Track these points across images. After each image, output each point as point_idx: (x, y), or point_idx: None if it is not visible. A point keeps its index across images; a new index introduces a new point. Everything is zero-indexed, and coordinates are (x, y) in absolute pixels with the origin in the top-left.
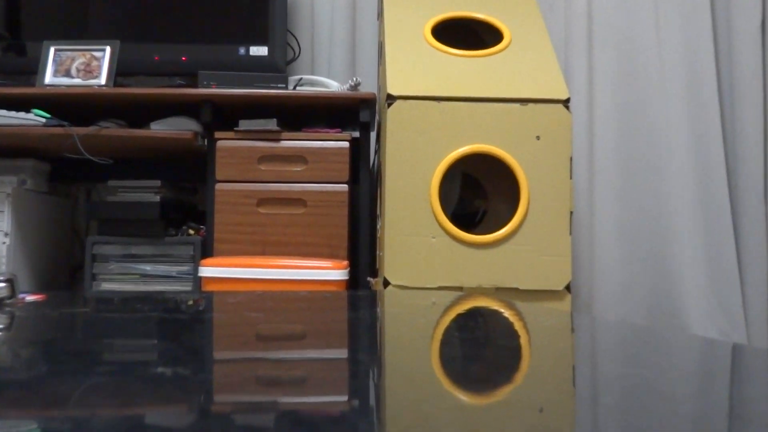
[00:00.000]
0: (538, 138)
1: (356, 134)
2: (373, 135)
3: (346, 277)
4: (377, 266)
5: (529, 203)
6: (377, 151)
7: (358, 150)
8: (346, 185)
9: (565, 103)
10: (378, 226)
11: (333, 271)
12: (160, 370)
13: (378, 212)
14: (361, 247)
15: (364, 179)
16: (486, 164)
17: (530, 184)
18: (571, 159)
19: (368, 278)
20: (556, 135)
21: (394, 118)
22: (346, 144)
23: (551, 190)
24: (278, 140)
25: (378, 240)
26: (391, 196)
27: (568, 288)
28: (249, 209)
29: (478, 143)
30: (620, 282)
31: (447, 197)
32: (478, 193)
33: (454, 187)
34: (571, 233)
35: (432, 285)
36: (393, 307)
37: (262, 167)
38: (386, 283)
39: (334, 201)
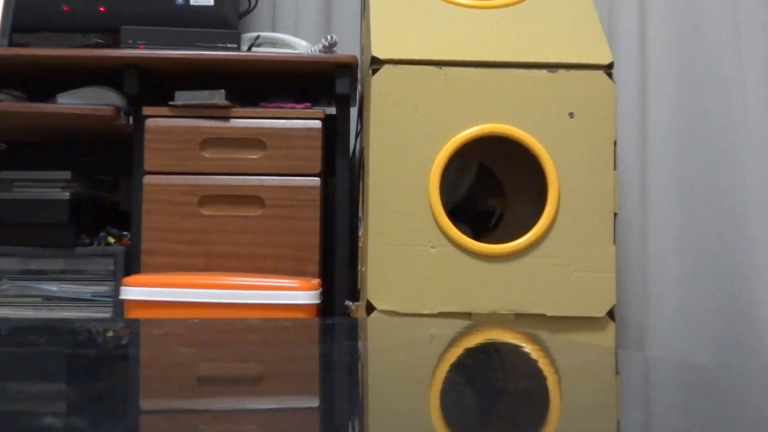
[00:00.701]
0: (571, 116)
1: (331, 111)
2: (354, 112)
3: (318, 301)
4: (358, 286)
5: (559, 202)
6: (359, 134)
7: (334, 132)
8: (317, 179)
9: (608, 69)
10: (360, 233)
11: (300, 293)
12: (49, 422)
13: (360, 214)
14: (338, 261)
15: (342, 171)
16: (503, 151)
17: (561, 177)
18: (615, 143)
19: (347, 302)
20: (596, 112)
21: (381, 88)
22: (317, 124)
23: (589, 185)
24: (227, 118)
25: (360, 251)
26: (377, 193)
27: (611, 315)
28: (188, 210)
29: (493, 123)
30: (682, 307)
31: (452, 195)
32: (493, 188)
33: (461, 182)
34: (615, 242)
35: (431, 311)
36: (379, 341)
37: (206, 154)
38: (370, 309)
39: (301, 200)
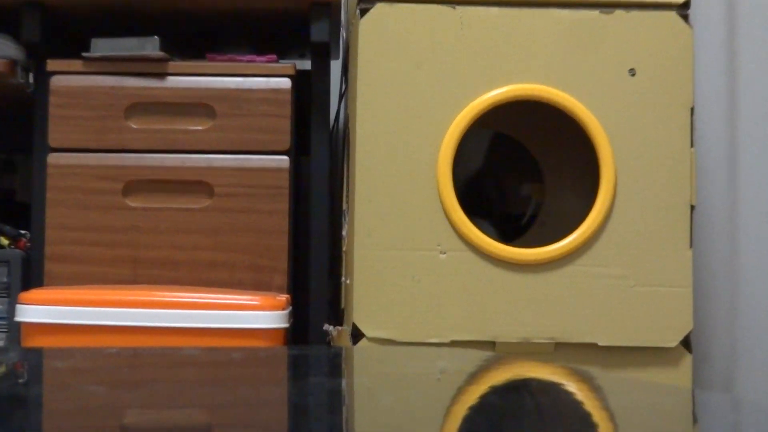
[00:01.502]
0: (632, 73)
1: (306, 65)
2: (337, 66)
3: (286, 324)
4: (341, 304)
5: (615, 191)
6: (343, 96)
7: (309, 94)
8: (285, 158)
9: (683, 9)
10: (344, 233)
11: (261, 314)
12: None
13: (344, 207)
14: (314, 270)
15: (319, 147)
16: (540, 121)
17: (619, 157)
18: (692, 111)
19: (326, 326)
20: (666, 68)
21: (372, 35)
22: (286, 83)
23: (657, 168)
24: (163, 76)
25: (344, 257)
26: (366, 180)
27: (687, 344)
28: (109, 201)
29: (525, 83)
30: None
31: (469, 179)
32: (528, 172)
33: (482, 161)
34: (692, 246)
35: (440, 339)
36: (368, 379)
37: (134, 125)
38: (357, 335)
39: (264, 187)
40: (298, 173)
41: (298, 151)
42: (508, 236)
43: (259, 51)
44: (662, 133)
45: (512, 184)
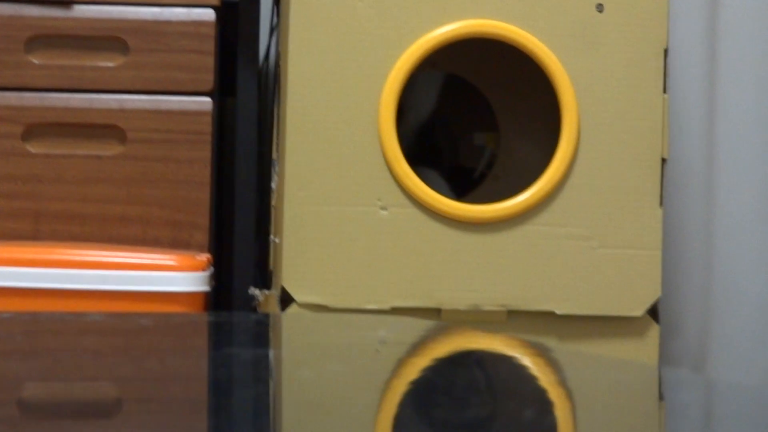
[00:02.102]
0: (599, 8)
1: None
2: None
3: (206, 287)
4: (270, 265)
5: (578, 142)
6: (275, 29)
7: (236, 26)
8: (208, 99)
9: None
10: (273, 185)
11: (179, 275)
12: None
13: (274, 156)
14: (238, 227)
15: (247, 87)
16: (496, 62)
17: (583, 104)
18: (665, 52)
19: (251, 289)
20: (638, 3)
21: None
22: (209, 13)
23: (624, 116)
24: (68, 4)
25: (273, 213)
26: (299, 126)
27: (654, 314)
28: (7, 145)
29: (479, 17)
30: (765, 323)
31: (418, 126)
32: (482, 120)
33: (432, 106)
34: (662, 203)
35: (380, 305)
36: (299, 350)
37: (35, 59)
38: (287, 300)
39: (183, 132)
40: (222, 117)
41: (223, 92)
42: (459, 190)
43: None
44: (632, 76)
45: (465, 132)
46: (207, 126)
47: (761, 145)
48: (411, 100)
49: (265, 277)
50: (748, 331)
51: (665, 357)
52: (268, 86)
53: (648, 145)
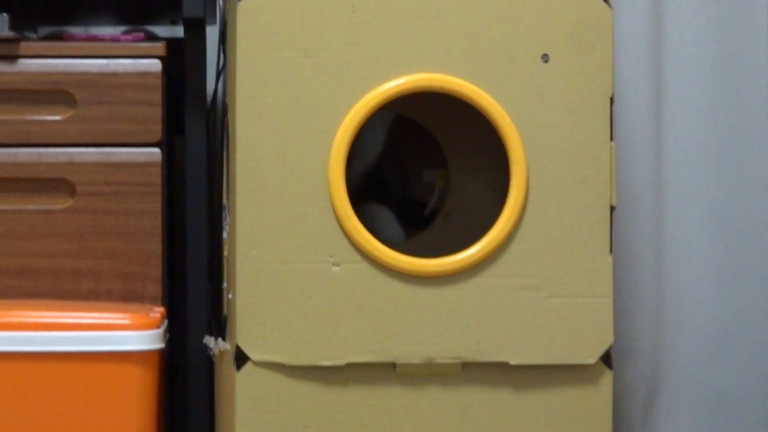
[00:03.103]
0: (545, 59)
1: (178, 31)
2: (212, 35)
3: (161, 344)
4: (223, 310)
5: (527, 192)
6: (222, 71)
7: (182, 65)
8: (157, 150)
9: None
10: (224, 234)
11: (133, 334)
12: None
13: (224, 200)
14: (191, 277)
15: (195, 135)
16: (445, 106)
17: (531, 154)
18: (611, 101)
19: (206, 338)
20: (584, 52)
21: (252, 20)
22: (156, 65)
23: (573, 165)
24: (14, 58)
25: (224, 262)
26: (249, 185)
27: (607, 360)
28: None
29: (426, 71)
30: (717, 343)
31: (368, 164)
32: (431, 158)
33: (382, 146)
34: (612, 251)
35: (335, 361)
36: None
37: None
38: (241, 358)
39: (133, 183)
40: (171, 158)
41: (171, 129)
42: (409, 226)
43: (125, 20)
44: (579, 125)
45: (414, 169)
46: (157, 177)
47: (707, 180)
48: (360, 142)
49: (219, 321)
50: (702, 353)
51: (620, 382)
52: (216, 125)
53: (596, 194)
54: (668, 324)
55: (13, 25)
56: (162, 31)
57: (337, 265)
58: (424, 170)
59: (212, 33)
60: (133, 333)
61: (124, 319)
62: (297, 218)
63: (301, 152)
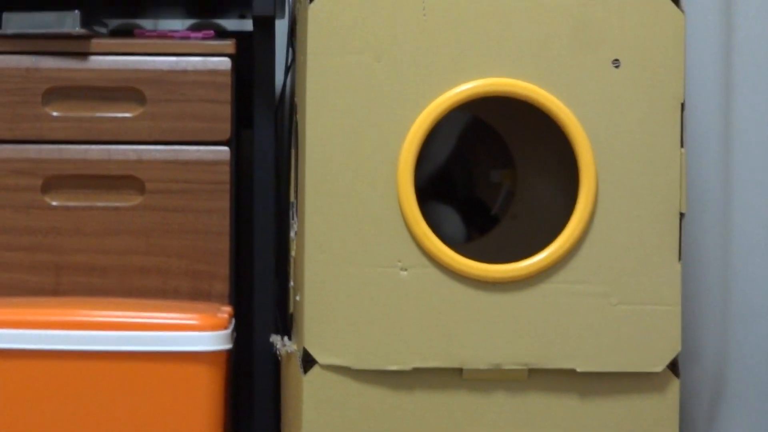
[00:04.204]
0: (616, 64)
1: (247, 25)
2: (280, 27)
3: (229, 345)
4: (290, 308)
5: (596, 199)
6: (291, 68)
7: (250, 67)
8: (226, 149)
9: None
10: (291, 234)
11: (201, 335)
12: None
13: (292, 198)
14: (258, 275)
15: (264, 133)
16: (514, 109)
17: (600, 160)
18: (683, 107)
19: (272, 337)
20: (655, 58)
21: (323, 22)
22: (226, 63)
23: (642, 172)
24: (85, 55)
25: (292, 263)
26: (318, 187)
27: (674, 368)
28: (26, 199)
29: (496, 76)
30: None
31: (437, 164)
32: (497, 156)
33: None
34: (681, 258)
35: (402, 365)
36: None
37: (53, 112)
38: (309, 361)
39: (202, 182)
40: (239, 154)
41: (239, 124)
42: (476, 228)
43: (194, 12)
44: (649, 131)
45: (482, 169)
46: (225, 175)
47: None
48: (429, 140)
49: (285, 320)
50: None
51: (684, 385)
52: (284, 120)
53: (666, 200)
54: (734, 327)
55: (84, 21)
56: (231, 24)
57: (405, 269)
58: (491, 170)
59: (280, 25)
60: (201, 334)
61: (192, 319)
62: (365, 221)
63: (370, 155)
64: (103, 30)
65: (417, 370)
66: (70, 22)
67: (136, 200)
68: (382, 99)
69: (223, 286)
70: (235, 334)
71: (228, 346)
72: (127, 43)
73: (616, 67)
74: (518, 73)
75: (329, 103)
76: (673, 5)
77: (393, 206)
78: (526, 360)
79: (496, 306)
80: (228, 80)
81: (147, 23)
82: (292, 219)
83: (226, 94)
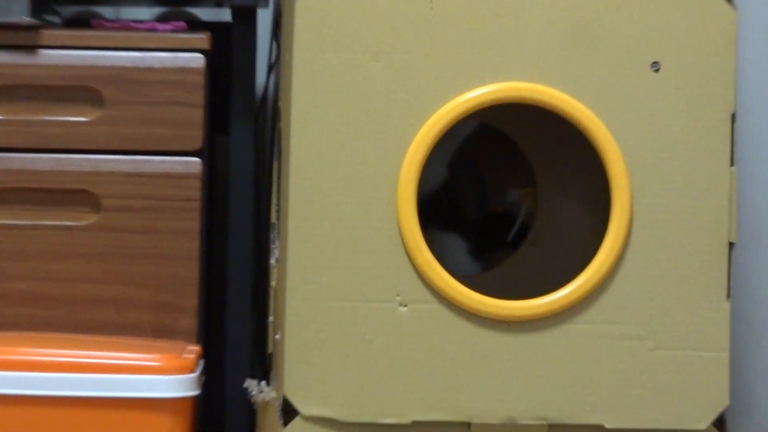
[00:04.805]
0: (656, 68)
1: (223, 17)
2: (264, 30)
3: (195, 391)
4: (268, 347)
5: (630, 224)
6: (274, 66)
7: (227, 63)
8: (197, 159)
9: None
10: (272, 260)
11: (165, 378)
12: None
13: (273, 218)
14: (231, 307)
15: (241, 142)
16: (535, 118)
17: (636, 180)
18: (733, 118)
19: (247, 381)
20: (701, 62)
21: (311, 17)
22: (199, 60)
23: (685, 194)
24: (34, 49)
25: (271, 292)
26: (304, 209)
27: (720, 425)
28: None
29: (514, 80)
30: None
31: (435, 181)
32: (515, 173)
33: (457, 158)
34: (729, 295)
35: (398, 418)
36: None
37: None
38: (289, 411)
39: (168, 198)
40: (212, 167)
41: (214, 131)
42: (488, 254)
43: (165, 14)
44: (694, 146)
45: (497, 187)
46: (195, 191)
47: None
48: (437, 155)
49: (263, 361)
50: None
51: None
52: (265, 130)
53: (713, 227)
54: None
55: (33, 9)
56: (205, 14)
57: (405, 304)
58: (508, 188)
59: (263, 16)
60: (163, 377)
61: (153, 360)
62: (358, 248)
63: (366, 170)
64: (56, 19)
65: (417, 424)
66: (16, 9)
67: (90, 219)
68: (381, 105)
69: (190, 320)
70: (203, 378)
71: (195, 391)
72: (83, 35)
73: (656, 71)
74: (540, 76)
75: (318, 109)
76: (724, 2)
77: (391, 230)
78: (546, 414)
79: (512, 349)
80: (201, 80)
81: (107, 11)
82: (273, 243)
83: (199, 96)
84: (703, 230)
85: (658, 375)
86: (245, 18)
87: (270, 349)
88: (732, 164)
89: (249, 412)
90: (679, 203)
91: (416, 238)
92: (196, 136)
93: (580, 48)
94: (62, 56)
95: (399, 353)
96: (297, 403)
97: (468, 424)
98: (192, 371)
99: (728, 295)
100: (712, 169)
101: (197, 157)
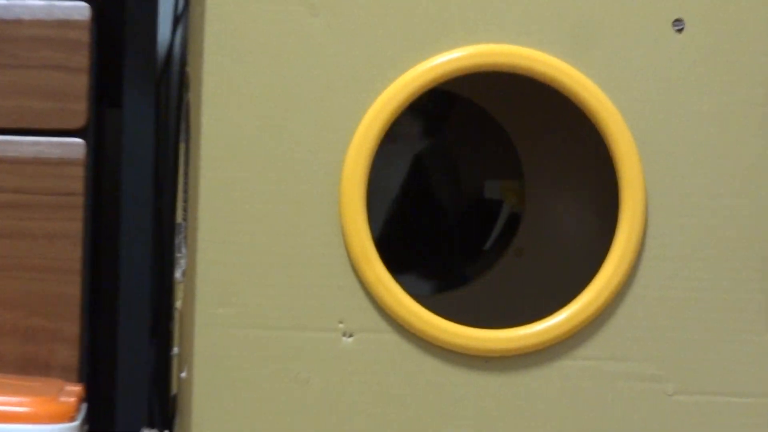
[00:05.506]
0: (678, 27)
1: None
2: None
3: None
4: (172, 391)
5: (644, 232)
6: (180, 21)
7: (120, 16)
8: (80, 141)
9: None
10: (177, 275)
11: (31, 428)
12: None
13: (178, 219)
14: (123, 333)
15: (137, 111)
16: (520, 95)
17: (651, 171)
18: None
19: (144, 431)
20: (737, 20)
21: None
22: (83, 10)
23: (714, 192)
24: None
25: (176, 320)
26: (216, 211)
27: None
28: None
29: (495, 41)
30: None
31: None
32: (497, 162)
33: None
34: None
35: None
36: None
37: None
38: None
39: (43, 191)
40: (99, 151)
41: (103, 103)
42: (461, 270)
43: None
44: (726, 132)
45: (471, 179)
46: (77, 182)
47: None
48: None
49: (164, 404)
50: None
51: None
52: (170, 105)
53: (749, 239)
54: None
55: None
56: None
57: (350, 334)
58: (486, 181)
59: None
60: (34, 427)
61: (21, 405)
62: (290, 260)
63: (301, 158)
64: None
65: None
66: None
67: None
68: (320, 74)
69: (70, 352)
70: (86, 428)
71: None
72: None
73: (679, 30)
74: (528, 38)
75: (238, 77)
76: None
77: (333, 237)
78: None
79: (490, 393)
80: (86, 36)
81: None
82: (179, 251)
83: (83, 58)
84: (738, 240)
85: (679, 425)
86: None
87: (174, 390)
88: None
89: None
90: (708, 204)
91: (365, 247)
92: (78, 111)
93: (582, 2)
94: None
95: (342, 397)
96: None
97: None
98: (71, 419)
99: None
100: (750, 161)
101: (80, 137)
